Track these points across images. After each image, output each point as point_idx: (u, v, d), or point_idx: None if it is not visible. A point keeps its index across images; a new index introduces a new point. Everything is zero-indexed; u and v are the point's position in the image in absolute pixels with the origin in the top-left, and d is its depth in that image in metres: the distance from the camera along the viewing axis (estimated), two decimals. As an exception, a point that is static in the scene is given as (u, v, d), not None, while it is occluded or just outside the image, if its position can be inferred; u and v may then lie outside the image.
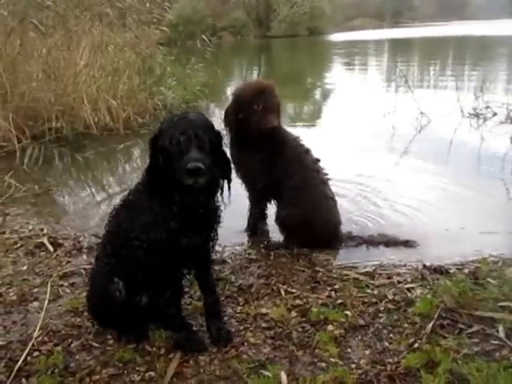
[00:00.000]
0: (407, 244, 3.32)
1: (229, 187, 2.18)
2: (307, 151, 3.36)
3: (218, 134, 2.08)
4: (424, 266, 2.97)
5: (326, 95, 11.24)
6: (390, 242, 3.34)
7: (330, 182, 3.42)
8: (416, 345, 2.16)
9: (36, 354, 2.19)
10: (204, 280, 2.35)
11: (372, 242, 3.36)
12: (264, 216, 3.64)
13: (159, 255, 2.06)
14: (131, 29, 8.26)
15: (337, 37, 34.89)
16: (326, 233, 3.29)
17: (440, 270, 2.90)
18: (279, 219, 3.35)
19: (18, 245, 3.46)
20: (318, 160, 3.39)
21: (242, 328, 2.38)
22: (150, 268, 2.08)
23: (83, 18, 7.36)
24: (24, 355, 2.14)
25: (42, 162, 5.59)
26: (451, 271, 2.87)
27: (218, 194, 2.15)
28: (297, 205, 3.24)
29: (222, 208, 2.20)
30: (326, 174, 3.40)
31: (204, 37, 9.42)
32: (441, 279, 2.74)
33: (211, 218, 2.16)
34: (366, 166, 5.14)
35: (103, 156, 6.15)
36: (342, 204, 3.76)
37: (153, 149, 2.03)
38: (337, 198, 3.46)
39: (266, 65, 21.62)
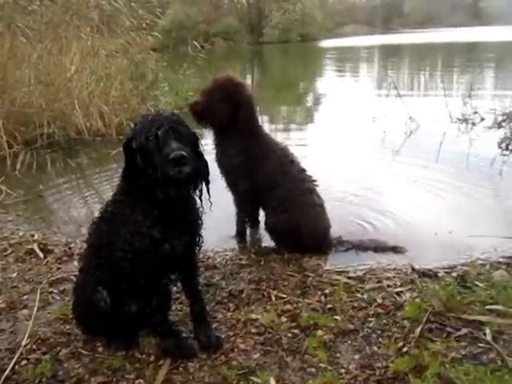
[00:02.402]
0: (396, 250, 3.32)
1: (207, 189, 2.10)
2: (292, 162, 3.34)
3: (193, 133, 2.05)
4: (413, 269, 2.97)
5: (317, 100, 11.26)
6: (379, 248, 3.33)
7: (319, 188, 3.42)
8: (405, 349, 2.15)
9: (24, 362, 2.16)
10: (190, 286, 2.32)
11: (361, 246, 3.35)
12: (254, 222, 3.63)
13: (144, 263, 2.02)
14: (121, 34, 8.23)
15: (328, 43, 35.00)
16: (314, 238, 3.28)
17: (429, 274, 2.89)
18: (268, 226, 3.35)
19: (8, 251, 3.43)
20: (304, 170, 3.37)
21: (231, 334, 2.36)
22: (136, 277, 2.05)
23: (71, 23, 7.31)
24: (11, 364, 2.11)
25: (35, 167, 5.56)
26: (440, 275, 2.87)
27: (197, 198, 2.09)
28: (284, 212, 3.23)
29: (202, 211, 2.16)
30: (314, 182, 3.39)
31: (195, 43, 9.40)
32: (429, 283, 2.74)
33: (193, 221, 2.13)
34: (356, 170, 5.16)
35: (96, 162, 6.12)
36: (332, 210, 3.69)
37: (128, 151, 1.97)
38: (326, 203, 3.44)
39: (258, 70, 21.65)
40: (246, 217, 3.56)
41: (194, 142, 2.02)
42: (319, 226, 3.31)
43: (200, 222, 2.16)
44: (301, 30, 39.85)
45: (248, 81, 17.44)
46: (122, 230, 2.02)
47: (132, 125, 2.08)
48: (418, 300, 2.54)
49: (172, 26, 31.65)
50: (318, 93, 12.42)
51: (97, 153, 6.39)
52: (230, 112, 3.17)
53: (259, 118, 3.46)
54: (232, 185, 3.39)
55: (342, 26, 54.71)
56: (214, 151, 3.37)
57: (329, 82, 14.33)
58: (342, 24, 55.70)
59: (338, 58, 23.64)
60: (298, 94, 12.55)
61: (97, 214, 2.24)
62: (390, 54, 25.94)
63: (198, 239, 2.18)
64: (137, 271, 2.03)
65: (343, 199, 4.30)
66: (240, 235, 3.58)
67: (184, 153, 1.82)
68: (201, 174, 2.03)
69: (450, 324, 2.32)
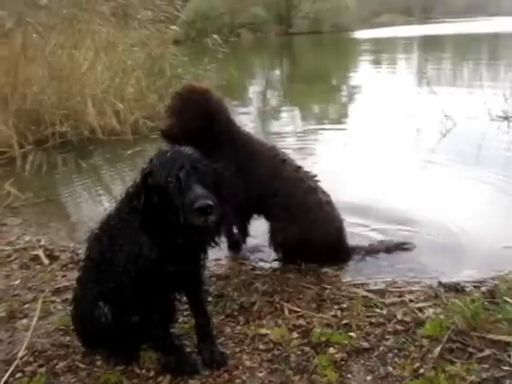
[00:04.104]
0: (405, 246, 3.34)
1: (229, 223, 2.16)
2: (284, 161, 3.28)
3: (214, 170, 2.03)
4: (439, 283, 2.93)
5: (350, 95, 11.26)
6: (390, 248, 3.34)
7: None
8: (421, 370, 2.13)
9: (19, 375, 2.22)
10: (194, 301, 2.33)
11: (373, 251, 3.35)
12: (244, 234, 3.56)
13: (146, 282, 2.05)
14: (138, 28, 8.34)
15: (363, 34, 34.63)
16: (329, 243, 3.22)
17: (455, 288, 2.85)
18: (276, 244, 3.27)
19: (13, 257, 3.53)
20: (299, 167, 3.31)
21: (238, 350, 2.38)
22: (137, 294, 2.08)
23: (83, 17, 7.45)
24: (5, 377, 2.17)
25: (45, 168, 5.69)
26: (467, 289, 2.83)
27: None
28: (291, 223, 3.16)
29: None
30: (314, 178, 3.32)
31: (215, 36, 9.45)
32: (456, 298, 2.68)
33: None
34: (386, 172, 5.13)
35: (109, 162, 6.22)
36: (364, 210, 3.84)
37: (145, 187, 1.95)
38: (359, 203, 3.54)
39: (288, 63, 21.66)
40: (240, 227, 3.50)
41: (215, 181, 1.99)
42: (330, 228, 3.24)
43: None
44: (333, 20, 39.58)
45: (277, 74, 17.53)
46: (126, 248, 2.05)
47: (148, 159, 2.04)
48: (441, 317, 2.50)
49: (195, 17, 31.90)
50: (352, 87, 12.40)
51: (111, 153, 6.51)
52: (205, 125, 3.07)
53: (235, 121, 3.34)
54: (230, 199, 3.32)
55: (377, 16, 54.19)
56: None
57: (363, 76, 14.23)
58: (378, 13, 55.18)
59: (373, 50, 23.40)
60: (329, 88, 12.57)
61: (96, 225, 2.29)
62: (430, 45, 25.53)
63: (203, 261, 2.20)
64: (138, 289, 2.06)
65: (376, 200, 4.27)
66: (232, 245, 3.54)
67: (210, 202, 1.81)
68: (225, 218, 2.03)
69: (472, 344, 2.28)
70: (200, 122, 3.06)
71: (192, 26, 30.43)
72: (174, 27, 8.85)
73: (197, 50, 13.54)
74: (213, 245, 2.10)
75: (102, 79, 7.32)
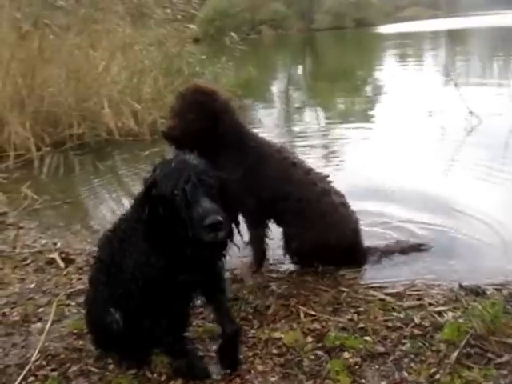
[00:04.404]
0: (421, 248, 3.33)
1: (238, 231, 2.09)
2: (295, 163, 3.21)
3: (220, 179, 2.00)
4: (460, 286, 2.89)
5: (375, 92, 11.23)
6: (406, 249, 3.33)
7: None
8: (437, 376, 2.12)
9: (32, 379, 2.27)
10: (218, 309, 2.27)
11: (388, 251, 3.33)
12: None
13: (154, 291, 2.05)
14: (154, 27, 8.41)
15: (387, 28, 34.31)
16: (345, 245, 3.19)
17: (476, 291, 2.81)
18: (290, 251, 3.24)
19: (28, 261, 3.60)
20: (311, 169, 3.26)
21: (251, 354, 2.39)
22: (145, 301, 2.09)
23: (99, 17, 7.55)
24: (18, 380, 2.22)
25: (63, 171, 5.78)
26: (488, 292, 2.79)
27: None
28: (305, 229, 3.11)
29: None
30: (327, 178, 3.27)
31: (233, 34, 9.49)
32: (476, 301, 2.65)
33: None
34: (414, 168, 5.12)
35: (127, 164, 6.28)
36: (388, 207, 3.97)
37: (149, 199, 1.93)
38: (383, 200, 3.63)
39: (310, 60, 21.60)
40: (258, 236, 3.33)
41: (221, 191, 1.96)
42: (346, 229, 3.19)
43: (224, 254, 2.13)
44: (356, 14, 39.31)
45: (299, 72, 17.50)
46: (133, 256, 2.06)
47: (151, 167, 2.03)
48: (460, 321, 2.48)
49: (214, 15, 32.01)
50: (376, 84, 12.36)
51: (128, 154, 6.58)
52: (209, 126, 3.01)
53: (244, 122, 3.32)
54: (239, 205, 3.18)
55: (401, 10, 53.58)
56: None
57: (388, 73, 14.13)
58: (402, 7, 54.58)
59: (398, 45, 23.12)
60: (353, 86, 12.51)
61: (109, 227, 2.33)
62: (457, 39, 25.20)
63: (219, 267, 2.19)
64: (146, 296, 2.07)
65: (400, 201, 4.26)
66: (258, 261, 3.36)
67: (220, 218, 1.79)
68: (233, 232, 2.01)
69: (491, 349, 2.26)
70: (203, 123, 2.99)
71: (211, 23, 30.56)
72: (191, 26, 8.91)
73: (215, 49, 13.63)
74: (222, 258, 2.09)
75: (118, 79, 7.39)
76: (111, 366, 2.34)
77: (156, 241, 1.95)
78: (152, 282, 2.03)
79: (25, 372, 2.29)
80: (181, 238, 1.88)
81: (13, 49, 6.55)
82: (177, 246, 1.92)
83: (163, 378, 2.25)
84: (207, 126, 3.00)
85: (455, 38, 26.56)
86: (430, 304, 2.73)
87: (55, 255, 3.61)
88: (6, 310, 2.93)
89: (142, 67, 7.87)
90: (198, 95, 3.03)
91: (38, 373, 2.31)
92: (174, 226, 1.88)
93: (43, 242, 3.94)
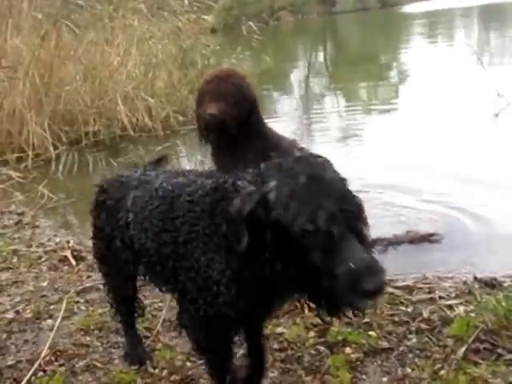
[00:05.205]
0: (432, 238, 3.32)
1: None
2: None
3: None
4: (475, 278, 2.89)
5: (400, 75, 11.17)
6: (415, 239, 3.35)
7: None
8: (442, 372, 2.12)
9: (41, 374, 2.39)
10: (253, 347, 2.07)
11: (396, 241, 3.36)
12: None
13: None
14: (169, 19, 8.50)
15: (414, 7, 33.57)
16: None
17: (492, 284, 2.80)
18: None
19: (43, 259, 3.75)
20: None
21: (252, 349, 2.45)
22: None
23: (117, 16, 7.68)
24: (28, 376, 2.34)
25: (77, 169, 5.96)
26: (505, 284, 2.79)
27: None
28: None
29: None
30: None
31: (250, 23, 9.50)
32: (491, 294, 2.63)
33: None
34: (439, 152, 5.13)
35: (140, 160, 6.38)
36: (410, 191, 4.08)
37: (251, 224, 1.40)
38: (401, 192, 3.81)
39: (332, 45, 21.40)
40: None
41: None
42: None
43: None
44: (380, -7, 38.64)
45: (320, 58, 17.39)
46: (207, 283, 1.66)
47: (256, 172, 1.49)
48: (472, 315, 2.47)
49: (232, 4, 31.91)
50: (401, 67, 12.24)
51: (142, 150, 6.70)
52: (247, 111, 2.82)
53: None
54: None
55: (430, -13, 52.54)
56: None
57: (414, 54, 13.86)
58: (431, -16, 53.48)
59: (426, 24, 22.68)
60: (377, 69, 12.45)
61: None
62: (491, 15, 24.44)
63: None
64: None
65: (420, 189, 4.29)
66: None
67: (384, 279, 1.31)
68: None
69: (502, 344, 2.24)
70: (245, 107, 2.80)
71: (229, 12, 30.49)
72: (206, 17, 8.97)
73: (231, 39, 13.62)
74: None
75: (133, 75, 7.51)
76: (116, 361, 2.45)
77: (249, 284, 1.53)
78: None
79: (34, 367, 2.40)
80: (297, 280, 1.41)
81: (34, 50, 6.74)
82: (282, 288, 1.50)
83: (164, 373, 2.33)
84: (246, 112, 2.81)
85: (489, 14, 25.74)
86: (441, 297, 2.72)
87: (67, 253, 3.74)
88: (20, 307, 3.07)
89: (156, 61, 7.97)
90: (236, 78, 2.84)
91: (46, 368, 2.43)
92: (289, 265, 1.39)
93: (57, 240, 4.09)
